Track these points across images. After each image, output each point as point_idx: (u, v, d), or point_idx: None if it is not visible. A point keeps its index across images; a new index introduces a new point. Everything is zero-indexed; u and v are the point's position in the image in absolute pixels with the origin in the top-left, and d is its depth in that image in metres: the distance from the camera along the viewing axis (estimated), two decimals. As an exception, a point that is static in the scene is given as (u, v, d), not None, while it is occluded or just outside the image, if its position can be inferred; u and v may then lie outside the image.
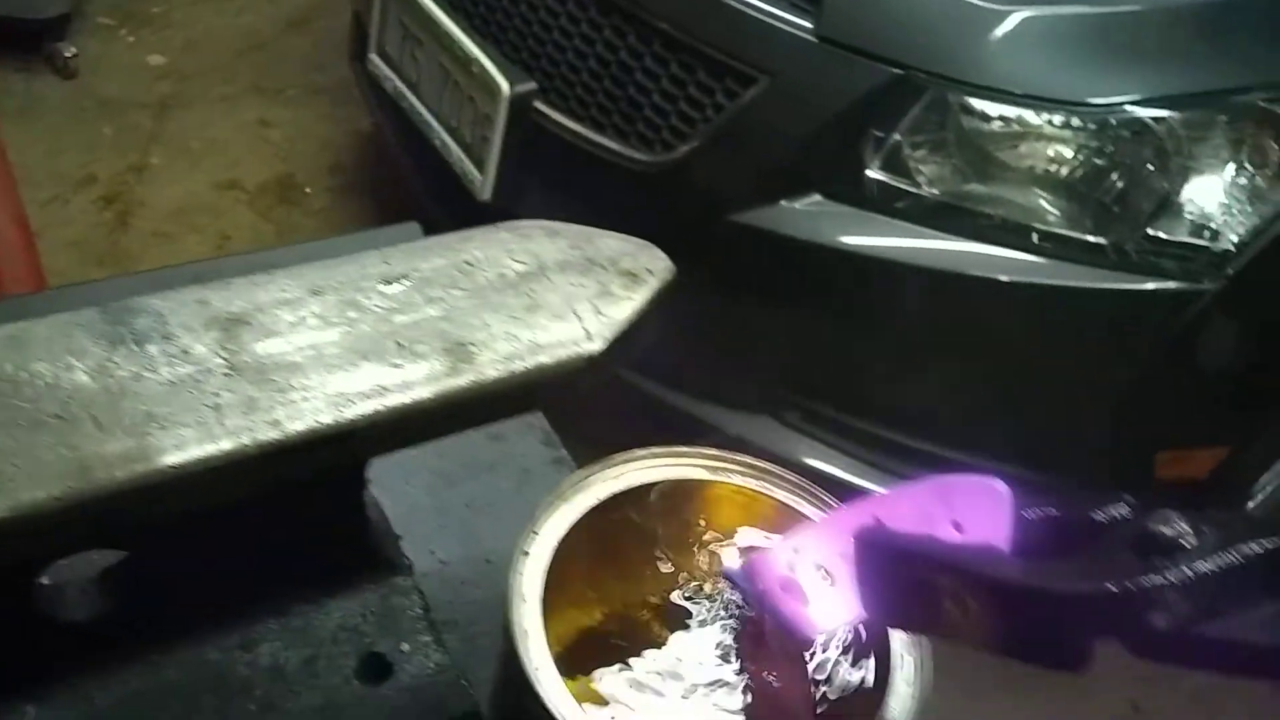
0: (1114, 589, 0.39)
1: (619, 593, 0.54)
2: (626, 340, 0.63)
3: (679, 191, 1.76)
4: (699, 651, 0.52)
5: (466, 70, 1.92)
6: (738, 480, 0.55)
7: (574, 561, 0.53)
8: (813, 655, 0.52)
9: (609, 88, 1.82)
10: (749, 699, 0.51)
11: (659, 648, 0.53)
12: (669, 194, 1.78)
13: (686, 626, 0.54)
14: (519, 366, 0.59)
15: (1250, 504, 2.13)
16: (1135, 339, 1.72)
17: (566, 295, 0.63)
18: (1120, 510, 0.44)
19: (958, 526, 0.45)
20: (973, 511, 0.44)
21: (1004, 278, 1.67)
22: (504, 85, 1.85)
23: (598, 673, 0.51)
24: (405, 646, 0.69)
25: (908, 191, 1.72)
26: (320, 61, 2.93)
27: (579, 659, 0.51)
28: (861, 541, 0.47)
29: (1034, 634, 0.42)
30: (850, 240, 1.71)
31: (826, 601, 0.50)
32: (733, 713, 0.51)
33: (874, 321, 1.78)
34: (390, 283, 0.61)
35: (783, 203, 1.73)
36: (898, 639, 0.50)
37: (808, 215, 1.73)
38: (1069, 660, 0.43)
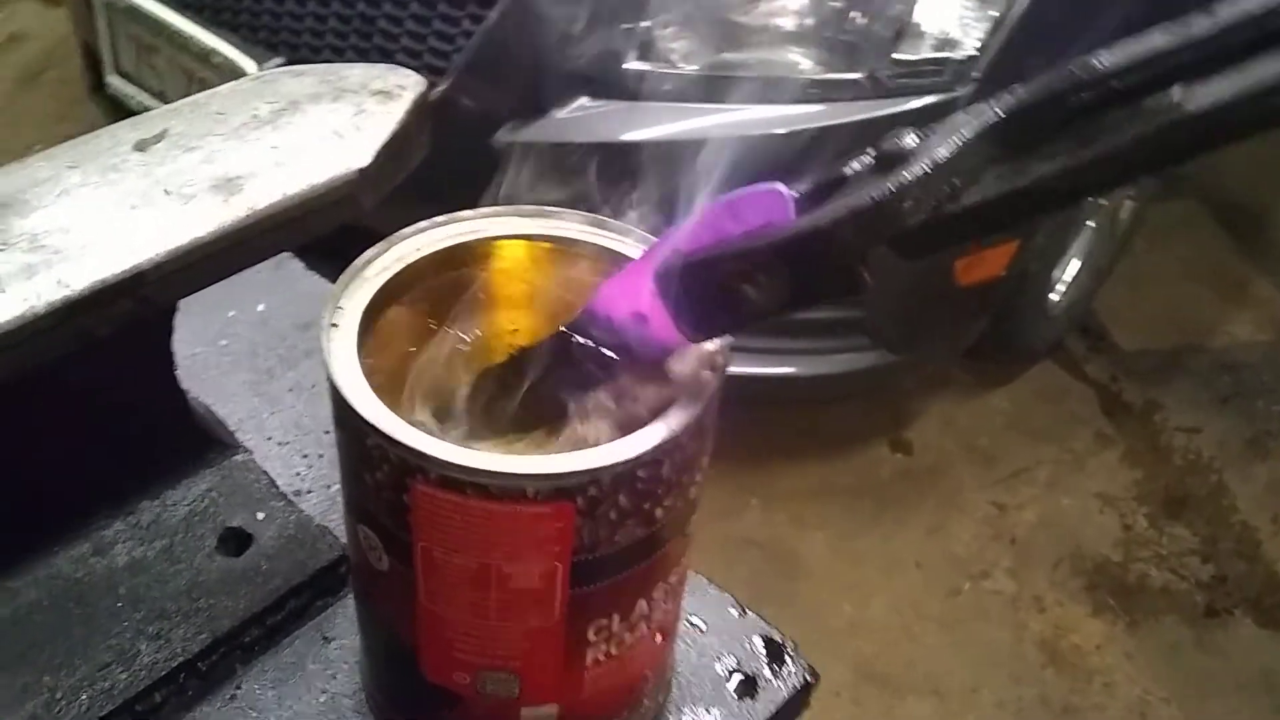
0: (864, 202, 0.43)
1: (448, 362, 0.55)
2: (394, 152, 0.64)
3: (454, 125, 1.76)
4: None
5: (209, 63, 1.89)
6: (537, 228, 0.57)
7: (393, 335, 0.55)
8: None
9: (356, 44, 1.81)
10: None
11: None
12: (445, 130, 1.78)
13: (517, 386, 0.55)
14: (293, 189, 0.60)
15: (1053, 296, 2.26)
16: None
17: (324, 122, 0.64)
18: (865, 159, 0.47)
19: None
20: (763, 219, 0.47)
21: (780, 131, 1.72)
22: (252, 68, 1.83)
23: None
24: (260, 515, 0.69)
25: (668, 74, 1.77)
26: (61, 112, 2.83)
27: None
28: (661, 269, 0.49)
29: (816, 271, 0.46)
30: (632, 134, 1.73)
31: (652, 340, 0.52)
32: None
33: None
34: (144, 144, 0.61)
35: (554, 113, 1.76)
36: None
37: (582, 120, 1.76)
38: (851, 284, 0.46)
